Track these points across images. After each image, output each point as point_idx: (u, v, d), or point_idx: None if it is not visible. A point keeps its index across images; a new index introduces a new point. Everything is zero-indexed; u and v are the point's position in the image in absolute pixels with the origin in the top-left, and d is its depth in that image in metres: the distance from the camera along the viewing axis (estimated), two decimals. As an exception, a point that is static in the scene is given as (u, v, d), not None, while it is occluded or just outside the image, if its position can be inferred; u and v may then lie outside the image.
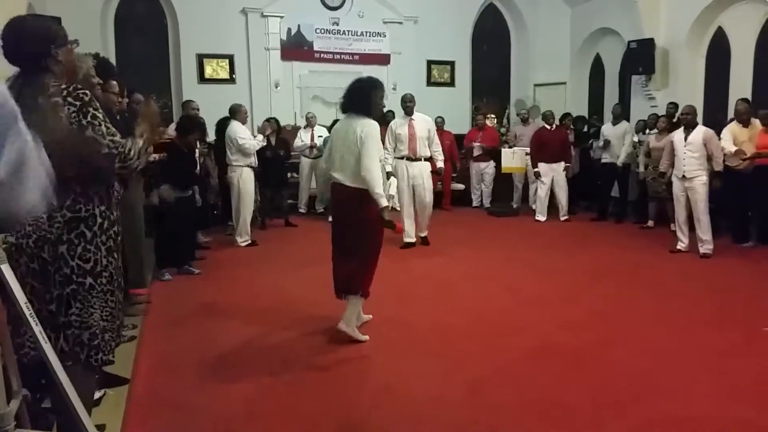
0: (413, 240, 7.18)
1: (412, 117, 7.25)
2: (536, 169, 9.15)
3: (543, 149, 9.16)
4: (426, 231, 7.39)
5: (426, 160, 7.16)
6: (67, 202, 2.28)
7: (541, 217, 9.23)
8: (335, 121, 9.13)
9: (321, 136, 9.52)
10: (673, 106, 8.93)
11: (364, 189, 3.85)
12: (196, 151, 6.43)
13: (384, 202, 3.86)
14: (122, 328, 2.67)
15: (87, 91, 2.31)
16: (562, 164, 9.10)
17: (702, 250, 6.52)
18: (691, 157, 6.47)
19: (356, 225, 3.95)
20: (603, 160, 9.10)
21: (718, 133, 6.83)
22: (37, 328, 1.92)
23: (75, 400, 2.00)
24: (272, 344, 4.00)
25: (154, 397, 3.29)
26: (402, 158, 7.13)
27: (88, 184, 2.33)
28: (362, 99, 4.03)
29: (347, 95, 4.08)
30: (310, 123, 9.65)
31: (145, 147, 2.41)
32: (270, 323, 4.48)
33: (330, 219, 4.51)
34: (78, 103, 2.25)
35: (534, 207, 9.69)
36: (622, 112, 9.57)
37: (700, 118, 8.45)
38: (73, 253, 2.29)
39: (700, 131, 6.49)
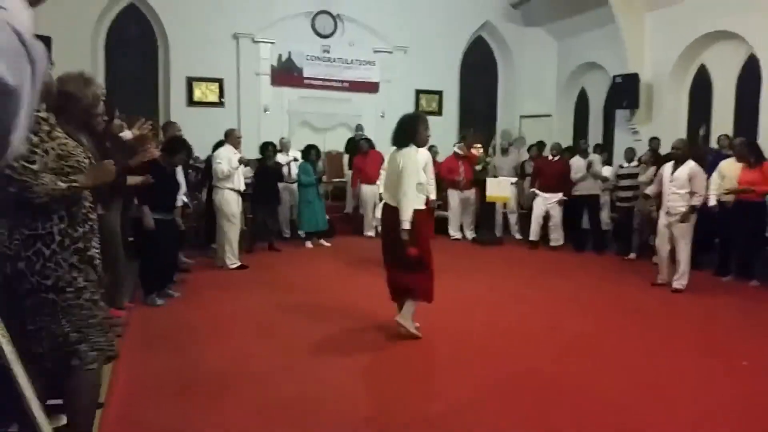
0: None
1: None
2: (532, 189, 9.50)
3: (539, 177, 9.42)
4: None
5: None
6: (25, 220, 2.31)
7: (534, 236, 9.43)
8: (308, 147, 9.23)
9: (297, 159, 9.47)
10: (656, 141, 9.10)
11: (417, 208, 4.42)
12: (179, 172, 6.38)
13: (406, 226, 4.37)
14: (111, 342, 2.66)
15: (45, 115, 2.32)
16: (558, 195, 9.20)
17: (675, 285, 6.47)
18: (675, 192, 6.39)
19: (401, 238, 4.40)
20: (574, 193, 9.17)
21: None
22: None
23: (35, 405, 1.98)
24: (250, 370, 3.94)
25: (128, 421, 3.22)
26: None
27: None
28: (405, 132, 4.60)
29: (396, 130, 4.66)
30: (284, 147, 9.66)
31: (70, 192, 2.38)
32: (248, 349, 4.43)
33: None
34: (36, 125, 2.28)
35: (517, 237, 10.21)
36: (587, 146, 9.75)
37: None
38: (31, 270, 2.34)
39: (687, 167, 6.36)
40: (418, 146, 4.62)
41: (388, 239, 4.67)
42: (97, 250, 2.57)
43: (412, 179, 4.42)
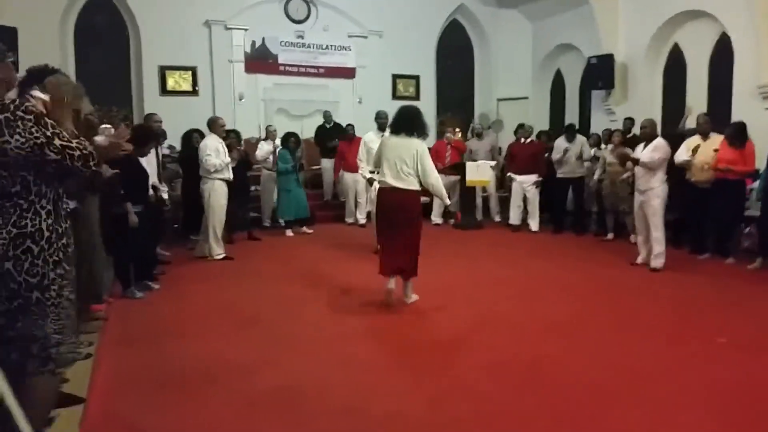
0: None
1: (384, 133, 7.31)
2: (509, 174, 9.65)
3: (513, 161, 9.56)
4: None
5: None
6: (12, 218, 2.24)
7: (515, 221, 9.55)
8: (287, 135, 9.12)
9: (279, 147, 9.42)
10: (630, 121, 9.16)
11: (416, 191, 4.97)
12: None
13: (448, 201, 5.47)
14: (79, 345, 2.62)
15: (34, 104, 2.28)
16: (533, 177, 9.27)
17: (652, 264, 6.55)
18: (645, 171, 6.47)
19: (409, 219, 4.97)
20: (558, 175, 9.19)
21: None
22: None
23: (18, 414, 1.96)
24: (232, 363, 3.90)
25: (110, 416, 3.18)
26: (374, 171, 7.15)
27: (42, 193, 2.30)
28: (413, 123, 5.02)
29: (401, 119, 5.06)
30: (270, 136, 9.56)
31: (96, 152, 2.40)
32: (230, 341, 4.39)
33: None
34: (31, 116, 2.22)
35: (496, 219, 10.39)
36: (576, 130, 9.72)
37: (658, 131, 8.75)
38: (19, 269, 2.26)
39: (653, 144, 6.46)
40: (424, 139, 5.10)
41: (387, 219, 5.04)
42: (73, 248, 2.52)
43: (434, 166, 5.04)
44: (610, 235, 8.54)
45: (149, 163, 6.02)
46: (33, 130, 2.21)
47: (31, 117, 2.22)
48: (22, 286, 2.27)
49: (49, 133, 2.24)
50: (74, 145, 2.31)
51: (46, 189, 2.33)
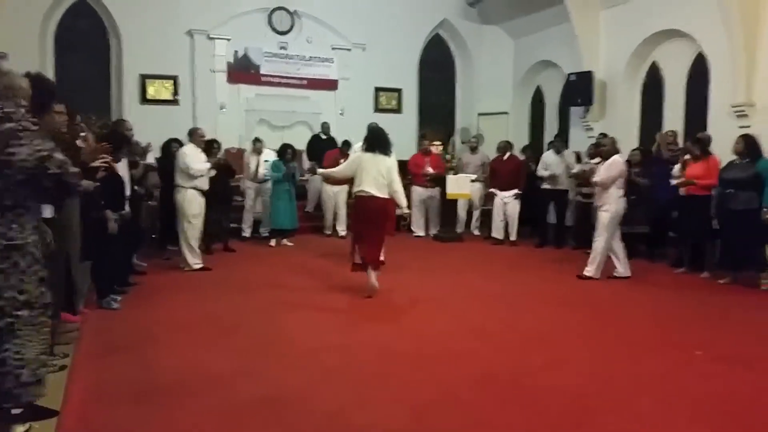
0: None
1: None
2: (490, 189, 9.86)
3: (495, 177, 9.81)
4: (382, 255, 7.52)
5: None
6: (1, 230, 2.18)
7: (497, 234, 9.68)
8: (284, 146, 9.21)
9: (267, 161, 9.44)
10: (603, 136, 9.32)
11: (388, 198, 6.04)
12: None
13: (405, 205, 6.43)
14: (53, 358, 2.56)
15: (15, 110, 2.23)
16: (513, 192, 9.46)
17: (585, 272, 6.81)
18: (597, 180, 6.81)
19: (382, 221, 6.07)
20: (543, 187, 9.32)
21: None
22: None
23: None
24: (210, 373, 3.86)
25: (85, 429, 3.11)
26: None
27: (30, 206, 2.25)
28: (385, 142, 6.20)
29: (375, 140, 6.18)
30: (256, 149, 9.53)
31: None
32: (208, 352, 4.33)
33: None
34: (36, 128, 2.20)
35: (476, 233, 10.51)
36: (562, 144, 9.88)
37: (636, 145, 9.06)
38: (8, 284, 2.20)
39: (609, 162, 6.76)
40: (389, 155, 6.16)
41: (368, 221, 6.00)
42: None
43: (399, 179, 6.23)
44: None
45: (124, 170, 5.94)
46: (37, 142, 2.17)
47: (36, 129, 2.19)
48: (10, 302, 2.21)
49: (50, 146, 2.21)
50: (70, 162, 2.29)
51: (32, 204, 2.29)
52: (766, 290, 6.32)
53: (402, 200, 6.27)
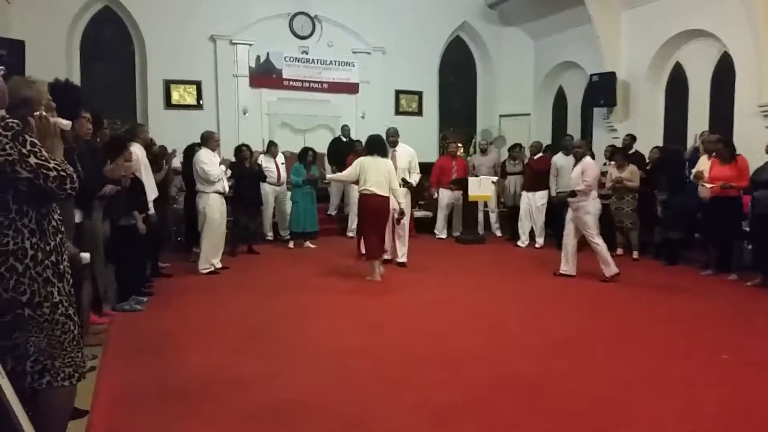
0: (390, 257, 7.65)
1: (395, 149, 7.86)
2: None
3: (525, 178, 9.80)
4: (404, 258, 7.79)
5: (406, 186, 7.87)
6: None
7: (522, 242, 9.60)
8: (305, 149, 9.35)
9: (283, 163, 9.60)
10: (631, 137, 9.25)
11: (388, 196, 6.85)
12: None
13: (402, 203, 7.14)
14: (84, 359, 2.63)
15: (17, 120, 2.28)
16: (541, 193, 9.41)
17: (606, 273, 6.83)
18: (574, 186, 6.90)
19: (381, 219, 6.89)
20: (558, 191, 9.19)
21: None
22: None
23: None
24: (234, 376, 3.89)
25: (114, 430, 3.17)
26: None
27: (22, 212, 2.31)
28: (383, 148, 7.09)
29: (375, 146, 6.99)
30: (271, 152, 9.61)
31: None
32: (232, 354, 4.38)
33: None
34: (9, 132, 2.22)
35: (497, 234, 10.52)
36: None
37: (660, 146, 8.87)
38: (6, 287, 2.27)
39: (582, 163, 6.89)
40: (386, 157, 7.08)
41: (374, 217, 6.78)
42: (68, 264, 2.52)
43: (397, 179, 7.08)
44: (619, 251, 8.53)
45: (147, 174, 6.04)
46: (7, 147, 2.21)
47: (9, 134, 2.23)
48: (10, 302, 2.29)
49: (25, 151, 2.23)
50: (51, 165, 2.29)
51: (27, 208, 2.33)
52: None
53: (400, 199, 7.01)
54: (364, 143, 7.47)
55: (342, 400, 3.53)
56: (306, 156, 9.24)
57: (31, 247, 2.32)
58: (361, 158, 7.03)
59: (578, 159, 7.07)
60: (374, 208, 6.78)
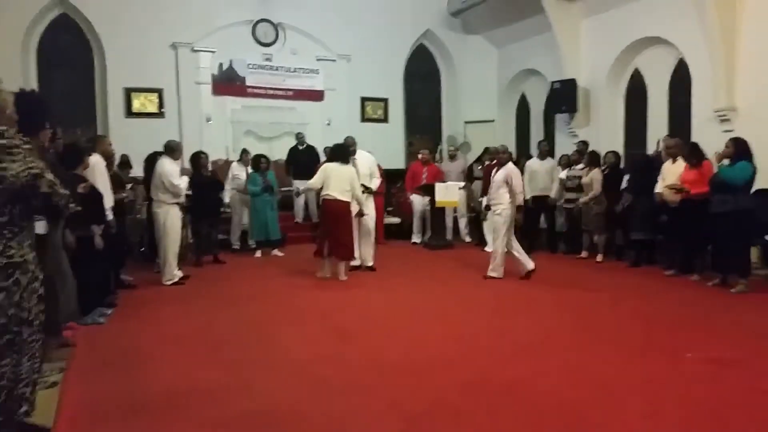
0: (359, 263, 7.80)
1: (355, 157, 7.97)
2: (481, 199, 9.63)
3: (485, 184, 9.60)
4: (371, 261, 7.97)
5: (367, 191, 7.92)
6: (0, 247, 2.16)
7: (488, 247, 9.49)
8: (257, 157, 9.35)
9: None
10: (584, 144, 9.59)
11: (349, 201, 7.15)
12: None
13: (361, 208, 7.40)
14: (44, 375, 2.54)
15: (7, 128, 2.21)
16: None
17: (489, 273, 7.23)
18: (495, 191, 7.25)
19: (346, 221, 7.17)
20: (533, 194, 9.34)
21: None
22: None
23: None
24: (201, 388, 3.81)
25: (76, 447, 3.07)
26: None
27: (25, 225, 2.24)
28: (347, 155, 7.44)
29: (339, 153, 7.40)
30: (244, 160, 9.53)
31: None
32: (198, 366, 4.29)
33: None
34: (28, 145, 2.17)
35: (467, 240, 10.58)
36: (549, 149, 9.91)
37: (621, 151, 9.23)
38: (10, 301, 2.18)
39: (505, 170, 7.20)
40: (347, 163, 7.34)
41: (333, 220, 7.09)
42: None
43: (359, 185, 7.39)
44: (584, 254, 8.68)
45: (104, 185, 5.89)
46: (30, 159, 2.16)
47: (28, 146, 2.17)
48: (12, 320, 2.18)
49: (42, 165, 2.20)
50: (58, 182, 2.29)
51: (28, 222, 2.27)
52: (735, 294, 6.30)
53: (361, 202, 7.33)
54: (325, 151, 7.70)
55: (311, 408, 3.48)
56: (259, 163, 9.14)
57: (31, 260, 2.28)
58: (325, 165, 7.37)
59: (500, 164, 7.37)
60: (334, 211, 7.08)
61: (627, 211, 7.99)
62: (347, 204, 7.13)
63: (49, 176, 2.21)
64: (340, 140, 8.24)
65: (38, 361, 2.29)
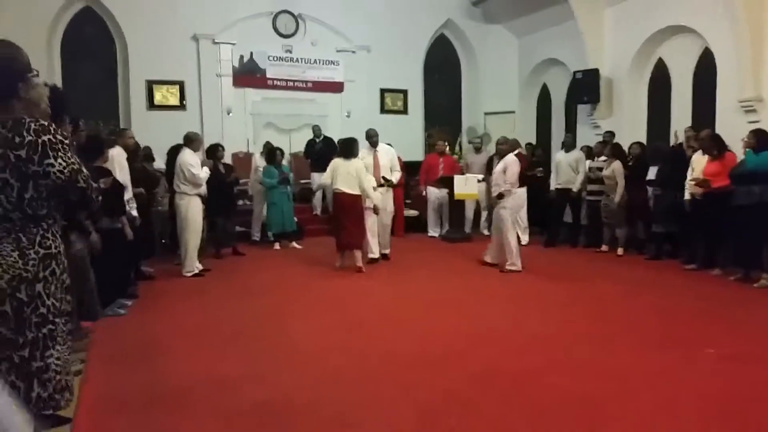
0: (377, 256, 7.89)
1: (376, 149, 8.11)
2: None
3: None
4: (388, 248, 8.22)
5: (387, 184, 8.15)
6: (38, 239, 2.21)
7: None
8: (272, 150, 9.31)
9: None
10: (610, 134, 9.37)
11: (359, 194, 7.34)
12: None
13: (374, 198, 7.59)
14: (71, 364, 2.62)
15: (52, 123, 2.27)
16: (521, 190, 9.26)
17: (507, 267, 7.24)
18: (495, 183, 7.37)
19: (356, 213, 7.41)
20: (557, 186, 9.25)
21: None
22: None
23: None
24: (218, 378, 3.86)
25: (96, 436, 3.14)
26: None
27: (58, 216, 2.30)
28: (353, 149, 7.50)
29: (346, 149, 7.51)
30: (277, 159, 9.57)
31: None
32: (216, 357, 4.35)
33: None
34: (67, 141, 2.23)
35: (485, 233, 10.27)
36: (574, 141, 9.76)
37: (644, 142, 9.02)
38: (48, 292, 2.24)
39: (503, 161, 7.32)
40: (355, 158, 7.47)
41: (344, 213, 7.36)
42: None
43: (368, 177, 7.52)
44: (604, 247, 8.59)
45: (123, 175, 5.95)
46: (69, 155, 2.21)
47: (68, 142, 2.23)
48: (51, 310, 2.23)
49: (78, 160, 2.25)
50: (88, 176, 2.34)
51: (58, 215, 2.33)
52: (757, 288, 6.19)
53: (370, 196, 7.47)
54: (338, 147, 7.90)
55: (327, 399, 3.52)
56: (275, 156, 9.18)
57: (62, 252, 2.33)
58: (334, 160, 7.57)
59: (502, 156, 7.46)
60: (343, 204, 7.34)
61: (652, 204, 7.88)
62: (357, 197, 7.34)
63: (85, 171, 2.26)
64: (360, 132, 8.30)
65: (68, 350, 2.36)
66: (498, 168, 7.40)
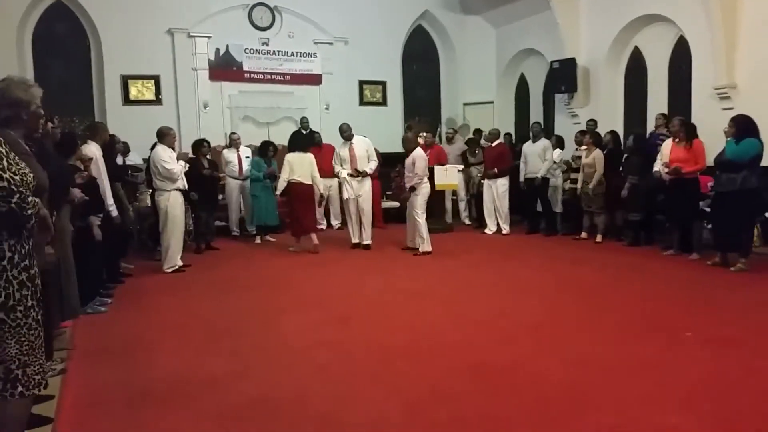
0: (358, 241, 8.40)
1: (352, 142, 8.36)
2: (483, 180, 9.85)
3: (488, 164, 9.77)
4: (369, 240, 8.41)
5: (361, 173, 8.37)
6: None
7: (488, 230, 9.63)
8: (265, 143, 9.41)
9: (248, 157, 9.45)
10: (593, 122, 9.41)
11: (311, 184, 8.20)
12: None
13: (323, 192, 8.86)
14: (52, 365, 2.59)
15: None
16: (501, 180, 9.43)
17: (420, 249, 7.82)
18: (407, 174, 8.01)
19: (309, 202, 8.25)
20: (526, 176, 9.35)
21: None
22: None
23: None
24: (203, 376, 3.83)
25: (79, 436, 3.10)
26: (348, 175, 8.39)
27: None
28: (305, 143, 8.57)
29: (298, 142, 8.62)
30: (234, 144, 9.51)
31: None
32: (200, 353, 4.31)
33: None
34: None
35: (466, 222, 10.58)
36: (542, 130, 9.81)
37: (620, 130, 9.33)
38: None
39: (412, 155, 7.92)
40: (307, 151, 8.46)
41: (301, 201, 8.11)
42: (37, 270, 2.46)
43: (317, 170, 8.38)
44: (583, 234, 8.68)
45: (102, 174, 5.87)
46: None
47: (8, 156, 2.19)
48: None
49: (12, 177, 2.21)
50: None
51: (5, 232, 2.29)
52: (734, 272, 6.30)
53: (320, 186, 8.45)
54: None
55: (314, 394, 3.50)
56: (267, 150, 9.13)
57: (9, 248, 2.28)
58: (287, 156, 8.26)
59: (408, 152, 8.00)
60: (298, 193, 8.09)
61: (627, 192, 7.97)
62: (310, 186, 8.18)
63: (20, 190, 2.22)
64: (339, 124, 8.39)
65: (28, 346, 2.33)
66: (407, 162, 7.99)
